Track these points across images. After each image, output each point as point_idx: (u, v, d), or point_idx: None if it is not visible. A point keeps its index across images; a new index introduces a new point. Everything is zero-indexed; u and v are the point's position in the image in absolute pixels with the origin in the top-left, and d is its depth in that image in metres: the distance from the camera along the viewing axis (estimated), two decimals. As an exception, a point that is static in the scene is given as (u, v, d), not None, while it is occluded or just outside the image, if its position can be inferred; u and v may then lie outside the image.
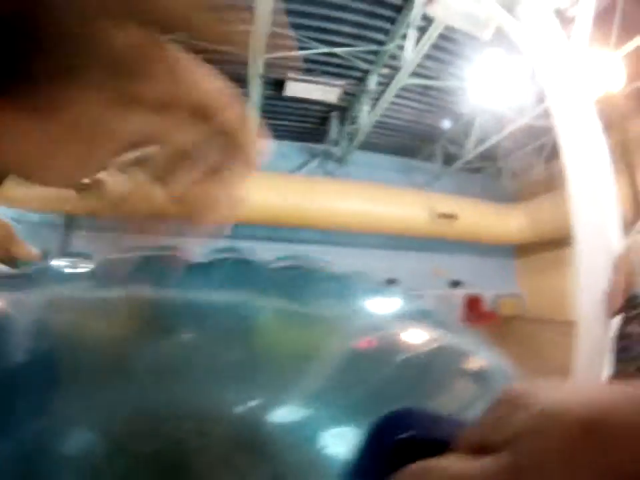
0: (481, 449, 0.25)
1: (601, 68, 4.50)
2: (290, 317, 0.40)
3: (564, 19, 2.58)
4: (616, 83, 4.56)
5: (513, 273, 12.54)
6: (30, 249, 0.68)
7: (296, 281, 0.45)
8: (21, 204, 7.69)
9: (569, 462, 0.22)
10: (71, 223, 9.30)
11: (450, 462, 0.26)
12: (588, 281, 2.37)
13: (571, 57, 2.52)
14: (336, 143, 10.39)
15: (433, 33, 5.83)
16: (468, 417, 0.31)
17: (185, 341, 0.34)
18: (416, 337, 0.45)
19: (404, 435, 0.28)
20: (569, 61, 2.50)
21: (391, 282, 10.85)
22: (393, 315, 0.47)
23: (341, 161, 10.84)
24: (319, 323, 0.40)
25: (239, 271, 0.43)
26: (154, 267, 0.39)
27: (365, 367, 0.36)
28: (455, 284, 11.44)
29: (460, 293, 11.32)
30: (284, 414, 0.30)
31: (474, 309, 10.82)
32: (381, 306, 0.48)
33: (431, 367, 0.41)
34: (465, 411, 0.39)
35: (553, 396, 0.25)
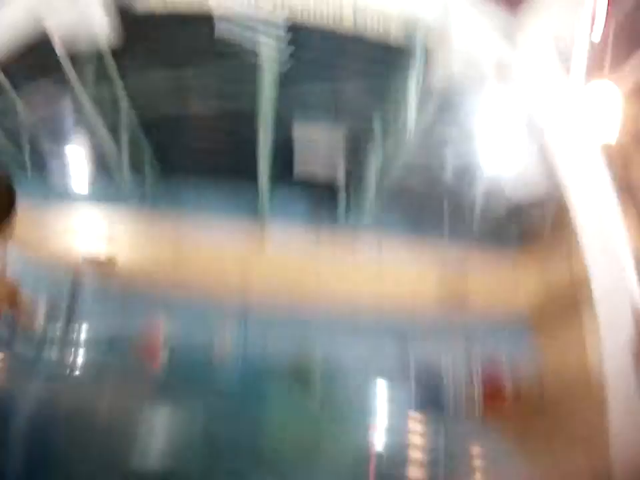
0: None
1: (600, 102, 4.57)
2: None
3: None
4: (614, 116, 4.62)
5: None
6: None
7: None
8: None
9: None
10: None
11: None
12: (612, 340, 2.28)
13: (572, 97, 2.56)
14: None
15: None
16: None
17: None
18: None
19: None
20: (571, 102, 2.56)
21: None
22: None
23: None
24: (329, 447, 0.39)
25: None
26: None
27: None
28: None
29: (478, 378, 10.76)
30: None
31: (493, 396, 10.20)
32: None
33: None
34: None
35: None
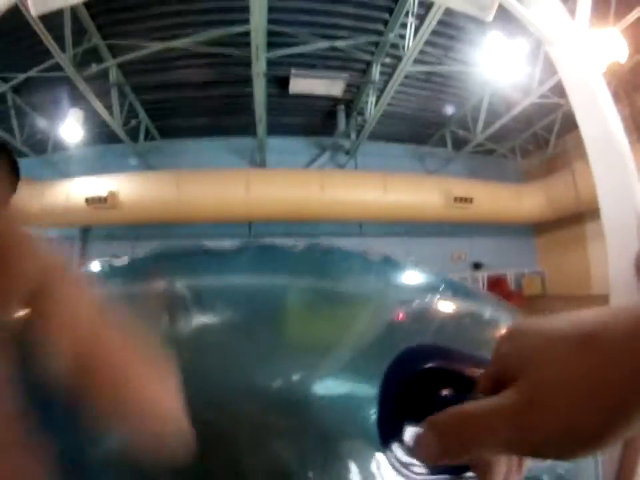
0: (497, 386, 0.28)
1: (604, 44, 4.45)
2: (322, 295, 0.41)
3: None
4: (619, 57, 4.50)
5: (534, 252, 12.38)
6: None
7: (322, 260, 0.46)
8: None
9: (569, 381, 0.25)
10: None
11: (471, 405, 0.28)
12: (618, 248, 2.32)
13: (577, 30, 2.50)
14: (345, 136, 10.38)
15: (432, 19, 5.77)
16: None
17: (224, 324, 0.34)
18: (446, 306, 0.46)
19: (424, 366, 0.29)
20: (575, 34, 2.49)
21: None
22: (424, 288, 0.48)
23: (351, 152, 10.83)
24: (351, 300, 0.40)
25: (266, 255, 0.43)
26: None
27: (398, 338, 0.36)
28: (477, 266, 11.36)
29: (483, 275, 11.25)
30: (324, 384, 0.31)
31: (498, 290, 10.71)
32: (411, 280, 0.48)
33: (463, 335, 0.43)
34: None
35: (550, 326, 0.28)
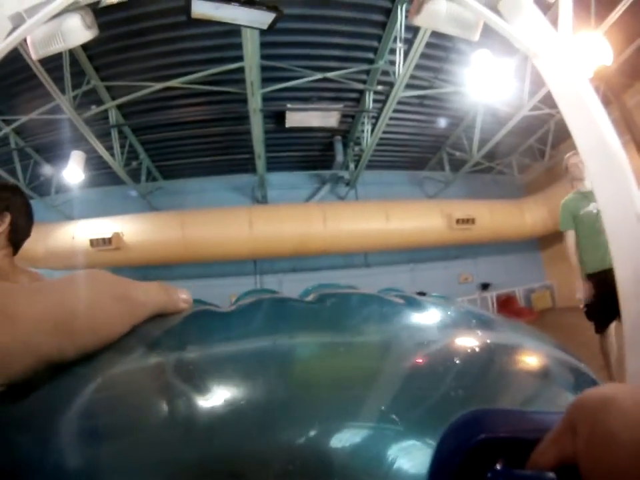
0: (558, 460, 0.24)
1: (588, 49, 4.56)
2: (338, 347, 0.39)
3: (544, 5, 2.65)
4: (605, 60, 4.60)
5: (540, 266, 12.31)
6: None
7: (335, 310, 0.44)
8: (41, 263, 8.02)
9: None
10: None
11: None
12: (622, 254, 2.31)
13: (561, 41, 2.57)
14: (344, 167, 10.51)
15: (420, 43, 5.94)
16: (546, 414, 0.29)
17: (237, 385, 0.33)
18: (470, 340, 0.44)
19: (484, 435, 0.26)
20: (559, 44, 2.55)
21: (421, 294, 10.78)
22: (442, 324, 0.46)
23: (350, 183, 10.95)
24: (368, 348, 0.40)
25: (277, 310, 0.43)
26: None
27: (424, 382, 0.35)
28: (485, 286, 11.28)
29: (491, 295, 11.15)
30: (345, 438, 0.29)
31: (508, 308, 10.61)
32: (427, 317, 0.46)
33: (492, 368, 0.40)
34: (532, 405, 0.38)
35: (621, 410, 0.23)
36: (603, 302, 3.30)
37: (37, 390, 0.31)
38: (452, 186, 11.26)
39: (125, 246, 8.69)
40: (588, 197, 3.59)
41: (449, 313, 0.49)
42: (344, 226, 9.42)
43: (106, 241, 8.56)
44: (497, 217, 10.35)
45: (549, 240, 11.51)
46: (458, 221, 9.89)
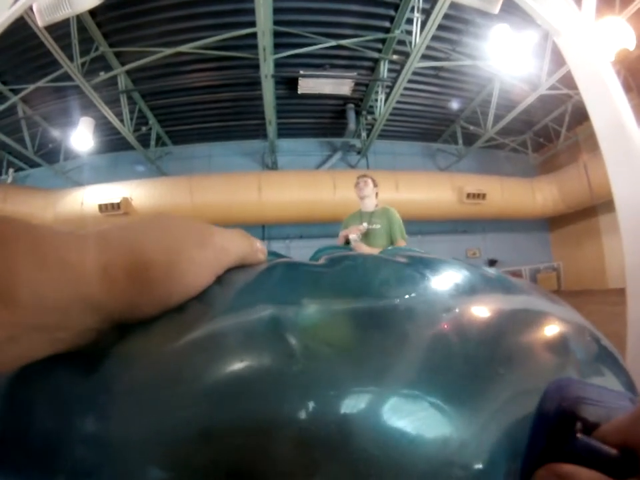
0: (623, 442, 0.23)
1: (611, 33, 4.39)
2: (360, 313, 0.36)
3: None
4: (628, 45, 4.44)
5: (548, 246, 12.24)
6: None
7: (351, 274, 0.41)
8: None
9: None
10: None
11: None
12: (633, 240, 2.29)
13: (584, 20, 2.48)
14: (355, 135, 10.36)
15: (438, 14, 5.73)
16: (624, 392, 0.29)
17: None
18: (496, 305, 0.42)
19: (572, 401, 0.26)
20: (582, 24, 2.47)
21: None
22: (465, 288, 0.43)
23: (362, 152, 10.81)
24: (392, 314, 0.36)
25: (292, 274, 0.39)
26: None
27: (452, 348, 0.33)
28: (492, 262, 11.26)
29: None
30: (372, 406, 0.28)
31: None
32: (449, 280, 0.44)
33: (519, 333, 0.38)
34: (559, 373, 0.36)
35: None
36: None
37: (103, 354, 0.27)
38: (464, 160, 11.10)
39: (133, 211, 8.72)
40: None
41: (473, 276, 0.46)
42: (353, 194, 9.32)
43: (115, 206, 8.60)
44: (508, 194, 10.21)
45: (558, 221, 11.41)
46: (469, 195, 9.78)
